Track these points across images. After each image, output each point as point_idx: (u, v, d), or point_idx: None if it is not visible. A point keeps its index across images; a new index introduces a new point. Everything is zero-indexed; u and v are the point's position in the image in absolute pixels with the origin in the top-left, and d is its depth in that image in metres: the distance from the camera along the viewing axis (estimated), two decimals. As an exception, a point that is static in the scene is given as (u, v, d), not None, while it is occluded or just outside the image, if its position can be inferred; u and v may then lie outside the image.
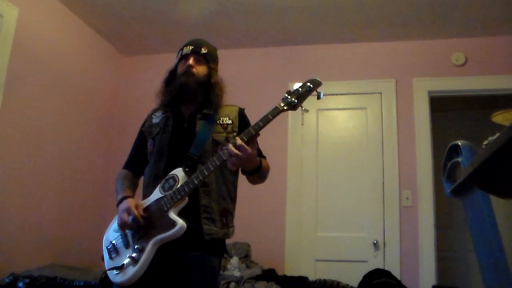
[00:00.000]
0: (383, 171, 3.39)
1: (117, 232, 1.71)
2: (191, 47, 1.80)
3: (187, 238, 1.57)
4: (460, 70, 3.45)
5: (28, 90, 2.94)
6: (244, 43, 3.78)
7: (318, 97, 1.60)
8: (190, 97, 1.76)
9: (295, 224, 3.43)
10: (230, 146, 1.51)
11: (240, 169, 1.74)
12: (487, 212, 1.02)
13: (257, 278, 2.72)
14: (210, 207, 1.67)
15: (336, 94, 3.59)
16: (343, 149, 3.52)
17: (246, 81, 3.65)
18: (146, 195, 1.73)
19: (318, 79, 1.62)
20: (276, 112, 1.57)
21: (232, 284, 2.62)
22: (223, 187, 1.72)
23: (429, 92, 3.47)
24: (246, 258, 3.06)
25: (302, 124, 3.60)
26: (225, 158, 1.54)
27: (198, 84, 1.76)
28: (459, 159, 1.10)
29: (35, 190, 2.97)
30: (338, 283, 2.76)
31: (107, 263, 1.70)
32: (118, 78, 4.02)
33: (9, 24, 2.75)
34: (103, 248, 1.75)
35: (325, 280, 2.81)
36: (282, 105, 1.59)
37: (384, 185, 3.36)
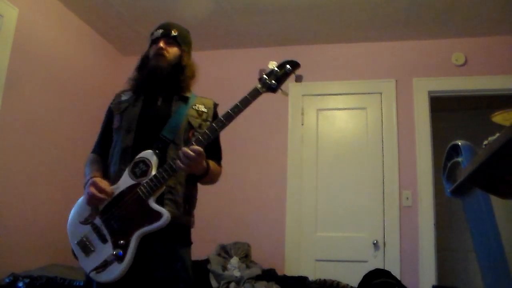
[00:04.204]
0: (383, 171, 3.39)
1: (85, 225, 1.60)
2: (161, 31, 1.75)
3: None
4: (460, 70, 3.45)
5: (28, 90, 2.94)
6: (243, 43, 3.77)
7: (297, 80, 1.56)
8: (163, 79, 1.69)
9: (295, 224, 3.42)
10: (182, 149, 1.47)
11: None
12: (487, 212, 1.02)
13: (257, 278, 2.72)
14: (175, 189, 1.59)
15: (336, 94, 3.59)
16: (343, 149, 3.52)
17: (246, 81, 3.61)
18: (113, 177, 1.62)
19: (296, 60, 1.57)
20: (256, 94, 1.55)
21: (232, 284, 2.62)
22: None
23: (429, 92, 3.47)
24: (246, 258, 3.05)
25: (302, 124, 3.60)
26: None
27: (170, 66, 1.71)
28: (459, 159, 1.10)
29: (35, 190, 2.97)
30: (338, 283, 2.76)
31: (83, 260, 1.58)
32: (118, 78, 4.00)
33: (9, 24, 2.75)
34: (72, 244, 1.61)
35: (325, 280, 2.81)
36: (260, 86, 1.56)
37: (384, 185, 3.36)
